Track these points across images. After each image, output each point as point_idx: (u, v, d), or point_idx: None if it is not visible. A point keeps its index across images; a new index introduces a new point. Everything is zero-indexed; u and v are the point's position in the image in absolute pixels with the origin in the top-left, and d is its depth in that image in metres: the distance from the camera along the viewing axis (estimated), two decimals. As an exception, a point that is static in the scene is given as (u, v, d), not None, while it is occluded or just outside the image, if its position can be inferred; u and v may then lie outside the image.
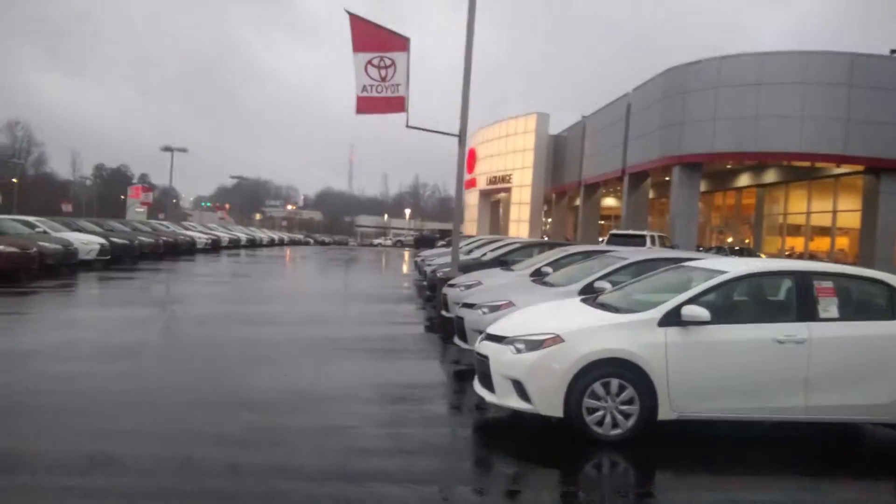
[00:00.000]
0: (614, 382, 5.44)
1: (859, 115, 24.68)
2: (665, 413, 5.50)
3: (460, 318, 8.58)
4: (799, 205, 31.02)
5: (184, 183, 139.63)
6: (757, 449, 5.83)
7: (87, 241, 20.57)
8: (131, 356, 8.11)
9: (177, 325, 11.01)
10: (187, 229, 37.30)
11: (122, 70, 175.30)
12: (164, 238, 28.87)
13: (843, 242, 29.30)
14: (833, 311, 5.78)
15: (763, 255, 30.14)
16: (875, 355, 5.72)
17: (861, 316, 5.99)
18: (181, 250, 30.80)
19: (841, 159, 25.30)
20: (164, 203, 72.35)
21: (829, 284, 5.88)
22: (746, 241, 34.77)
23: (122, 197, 70.44)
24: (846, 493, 5.01)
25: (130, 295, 15.12)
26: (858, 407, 5.71)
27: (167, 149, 48.17)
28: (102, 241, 21.44)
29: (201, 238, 35.35)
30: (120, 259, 22.68)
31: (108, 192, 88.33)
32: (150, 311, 12.02)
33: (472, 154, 52.96)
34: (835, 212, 28.70)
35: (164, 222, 38.87)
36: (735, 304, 6.22)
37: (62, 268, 18.23)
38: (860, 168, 25.67)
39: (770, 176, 31.67)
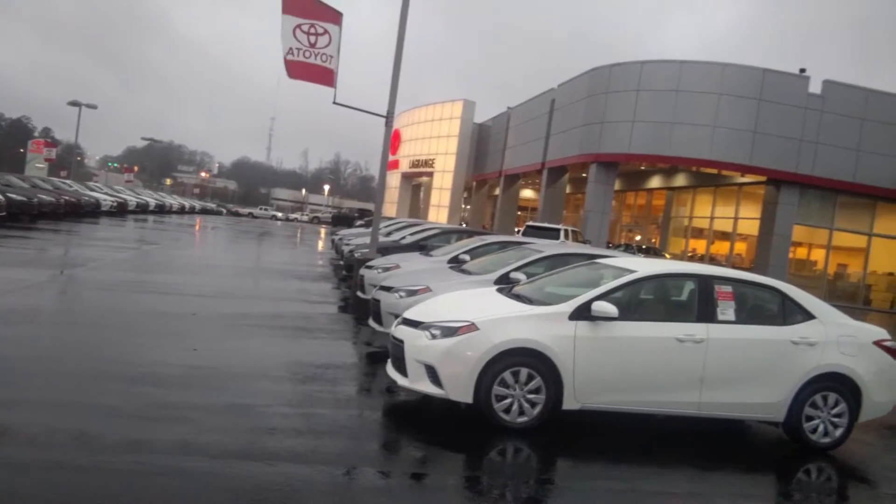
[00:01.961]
0: (523, 371, 5.60)
1: (765, 129, 26.09)
2: (569, 403, 5.71)
3: (377, 301, 8.58)
4: (704, 209, 32.53)
5: (90, 141, 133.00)
6: (653, 441, 6.15)
7: (-21, 196, 19.26)
8: (26, 321, 7.68)
9: (77, 290, 10.48)
10: (92, 190, 35.44)
11: (30, 19, 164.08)
12: (66, 197, 27.34)
13: (741, 247, 30.97)
14: (730, 315, 6.14)
15: (668, 256, 31.52)
16: (765, 358, 6.11)
17: (756, 320, 6.36)
18: (84, 212, 29.30)
19: (746, 169, 26.69)
20: (68, 160, 68.36)
21: (728, 289, 6.23)
22: (653, 240, 36.23)
23: (22, 150, 66.14)
24: (732, 484, 5.36)
25: (27, 255, 14.26)
26: (746, 405, 6.10)
27: (74, 103, 45.26)
28: (-2, 196, 20.12)
29: (106, 200, 33.71)
30: (17, 217, 21.38)
31: (7, 144, 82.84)
32: (47, 274, 11.38)
33: (397, 135, 52.70)
34: (736, 218, 30.26)
35: (67, 181, 36.79)
36: (641, 302, 6.49)
37: (-50, 222, 17.01)
38: (762, 179, 27.15)
39: (680, 180, 33.05)
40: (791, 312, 6.36)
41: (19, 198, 22.08)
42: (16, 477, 3.81)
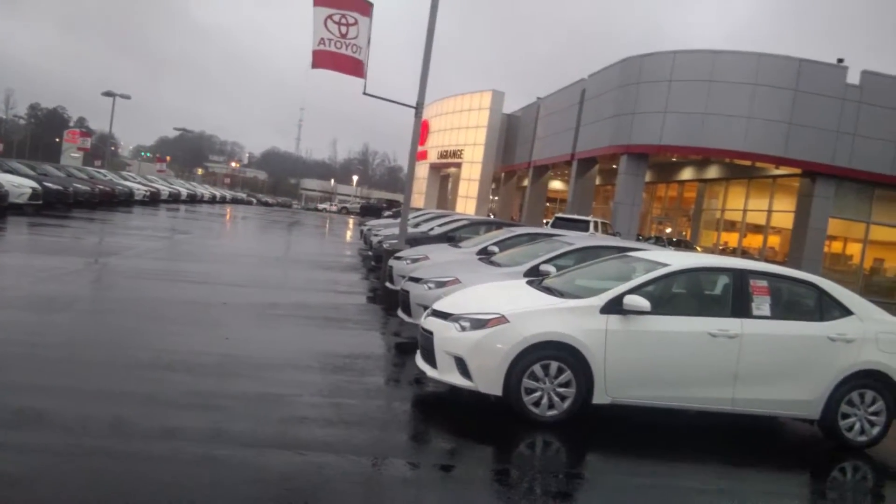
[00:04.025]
0: (553, 365, 5.56)
1: (801, 120, 25.52)
2: (600, 397, 5.66)
3: (406, 292, 8.59)
4: (737, 202, 31.99)
5: (124, 131, 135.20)
6: (684, 436, 6.09)
7: (18, 185, 19.61)
8: (62, 309, 7.83)
9: (111, 278, 10.67)
10: (125, 179, 35.97)
11: (66, 11, 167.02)
12: (101, 187, 27.79)
13: (774, 241, 30.42)
14: (765, 309, 6.03)
15: (699, 249, 31.11)
16: (800, 354, 6.00)
17: (791, 315, 6.25)
18: (118, 201, 29.76)
19: (780, 161, 26.16)
20: (102, 150, 69.53)
21: (763, 283, 6.12)
22: (684, 232, 35.77)
23: (57, 140, 67.48)
24: (763, 482, 5.27)
25: (63, 244, 14.56)
26: (781, 402, 6.00)
27: (109, 94, 45.96)
28: (35, 185, 20.49)
29: (140, 189, 34.20)
30: (52, 205, 21.76)
31: (43, 133, 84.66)
32: (83, 262, 11.60)
33: (426, 126, 52.62)
34: (770, 211, 29.71)
35: (102, 170, 37.41)
36: (674, 296, 6.40)
37: (-10, 210, 17.39)
38: (797, 171, 26.60)
39: (712, 171, 32.53)
40: (828, 308, 6.23)
41: (55, 187, 22.50)
42: (50, 462, 3.88)
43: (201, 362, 6.28)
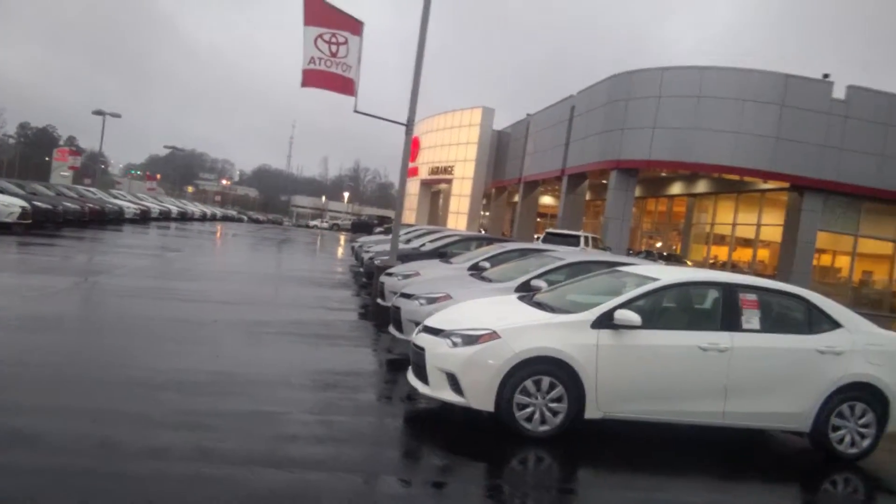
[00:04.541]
0: (545, 380, 5.57)
1: (788, 134, 25.79)
2: (592, 412, 5.67)
3: (397, 308, 8.58)
4: (726, 216, 32.20)
5: (114, 149, 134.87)
6: (675, 450, 6.08)
7: (7, 203, 19.53)
8: (51, 329, 7.78)
9: (101, 297, 10.61)
10: (116, 198, 35.92)
11: (56, 30, 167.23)
12: (91, 205, 27.71)
13: (764, 254, 30.60)
14: (755, 323, 6.06)
15: (689, 263, 31.23)
16: (790, 367, 6.03)
17: (781, 329, 6.28)
18: (108, 219, 29.68)
19: (768, 175, 26.40)
20: (92, 169, 69.38)
21: (753, 297, 6.16)
22: (674, 247, 35.94)
23: (47, 159, 67.25)
24: (755, 495, 5.28)
25: (52, 263, 14.47)
26: (772, 415, 6.02)
27: (99, 112, 45.90)
28: (24, 204, 20.36)
29: (130, 208, 34.13)
30: (42, 224, 21.67)
31: (33, 152, 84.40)
32: (72, 281, 11.53)
33: (416, 143, 52.81)
34: (759, 225, 29.91)
35: (91, 188, 37.28)
36: (664, 310, 6.42)
37: (-22, 230, 17.27)
38: (785, 185, 26.83)
39: (701, 186, 32.76)
40: (817, 321, 6.27)
41: (45, 206, 22.40)
42: (39, 483, 3.85)
43: (192, 380, 6.25)
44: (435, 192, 60.17)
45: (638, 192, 32.24)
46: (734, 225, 31.43)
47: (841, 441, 6.06)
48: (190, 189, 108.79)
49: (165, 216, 41.57)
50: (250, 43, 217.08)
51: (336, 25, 11.68)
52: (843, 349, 6.09)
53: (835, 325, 6.25)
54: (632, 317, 5.69)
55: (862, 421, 6.07)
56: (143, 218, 35.87)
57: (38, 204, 21.85)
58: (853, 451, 6.08)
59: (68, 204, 25.03)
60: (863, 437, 6.08)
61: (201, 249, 24.12)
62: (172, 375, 6.31)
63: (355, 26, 11.87)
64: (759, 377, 5.95)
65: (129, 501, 3.74)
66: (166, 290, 12.18)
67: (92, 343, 7.45)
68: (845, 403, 6.05)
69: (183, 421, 5.12)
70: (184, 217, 46.80)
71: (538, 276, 8.51)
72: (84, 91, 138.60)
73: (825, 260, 29.21)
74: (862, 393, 6.08)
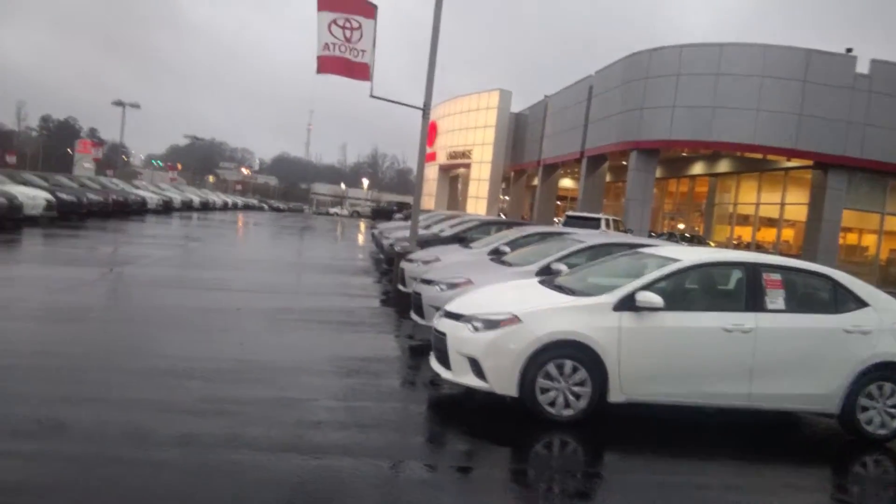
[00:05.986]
0: (568, 364, 5.55)
1: (811, 111, 25.34)
2: (615, 395, 5.64)
3: (418, 294, 8.60)
4: (749, 195, 31.80)
5: (135, 140, 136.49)
6: (700, 432, 6.05)
7: (32, 196, 19.77)
8: (78, 318, 7.91)
9: (126, 287, 10.76)
10: (138, 188, 36.23)
11: (76, 22, 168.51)
12: (114, 196, 28.01)
13: (788, 234, 30.21)
14: (780, 303, 5.98)
15: (712, 244, 30.93)
16: (816, 347, 5.95)
17: (806, 308, 6.20)
18: (131, 210, 29.98)
19: (791, 153, 25.99)
20: (114, 159, 70.12)
21: (777, 277, 6.08)
22: (697, 228, 35.57)
23: (70, 151, 68.08)
24: (781, 477, 5.23)
25: (77, 254, 14.69)
26: (798, 396, 5.95)
27: (119, 103, 46.47)
28: (49, 196, 20.66)
29: (153, 198, 34.43)
30: (66, 216, 21.96)
31: (55, 145, 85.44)
32: (98, 272, 11.70)
33: (434, 127, 52.71)
34: (783, 204, 29.51)
35: (114, 179, 37.72)
36: (687, 291, 6.36)
37: (6, 223, 17.52)
38: (809, 163, 26.41)
39: (723, 166, 32.36)
40: (843, 300, 6.18)
41: (69, 198, 22.70)
42: (70, 471, 3.92)
43: (216, 368, 6.32)
44: (453, 177, 60.07)
45: (659, 172, 31.94)
46: (758, 205, 31.03)
47: (870, 422, 5.97)
48: (211, 178, 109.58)
49: (187, 206, 41.89)
50: (268, 32, 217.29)
51: (349, 10, 11.62)
52: (870, 328, 5.99)
53: (861, 303, 6.15)
54: (654, 299, 5.64)
55: (891, 401, 5.98)
56: (166, 208, 36.18)
57: (63, 196, 22.14)
58: (882, 432, 5.99)
59: (92, 196, 25.31)
60: (892, 417, 5.99)
61: (224, 239, 24.32)
62: (198, 363, 6.38)
63: (369, 10, 11.81)
64: (785, 358, 5.88)
65: (158, 488, 3.80)
66: (190, 279, 12.31)
67: (118, 332, 7.55)
68: (874, 384, 5.95)
69: (209, 408, 5.18)
70: (206, 207, 47.14)
71: (558, 260, 8.47)
72: (103, 82, 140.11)
73: (851, 238, 28.77)
74: (891, 373, 5.98)
